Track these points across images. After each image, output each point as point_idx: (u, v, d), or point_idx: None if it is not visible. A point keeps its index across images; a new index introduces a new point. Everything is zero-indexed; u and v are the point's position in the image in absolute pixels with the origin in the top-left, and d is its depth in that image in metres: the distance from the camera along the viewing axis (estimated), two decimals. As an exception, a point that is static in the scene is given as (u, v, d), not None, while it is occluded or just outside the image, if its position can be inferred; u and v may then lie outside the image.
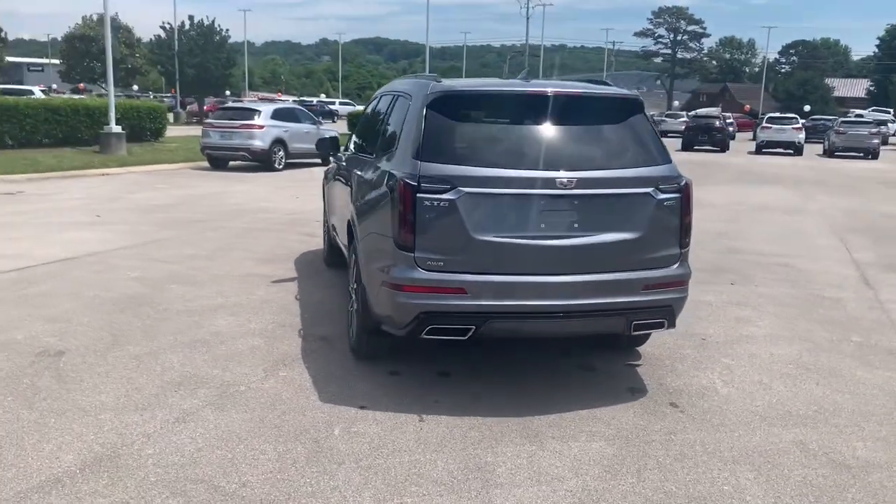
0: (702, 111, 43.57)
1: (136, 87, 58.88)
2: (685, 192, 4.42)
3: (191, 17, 48.89)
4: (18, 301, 6.19)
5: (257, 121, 18.61)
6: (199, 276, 7.19)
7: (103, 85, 46.65)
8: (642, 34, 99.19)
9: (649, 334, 5.16)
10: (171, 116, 37.38)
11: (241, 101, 30.41)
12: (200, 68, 47.64)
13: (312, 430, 3.94)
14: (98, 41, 42.09)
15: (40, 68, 78.64)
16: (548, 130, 4.39)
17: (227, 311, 6.06)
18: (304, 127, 19.96)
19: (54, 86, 57.46)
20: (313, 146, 15.63)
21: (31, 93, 35.70)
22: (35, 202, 12.18)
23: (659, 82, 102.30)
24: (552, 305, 4.18)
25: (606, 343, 5.20)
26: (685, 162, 26.35)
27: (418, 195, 4.07)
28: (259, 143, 18.49)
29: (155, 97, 54.27)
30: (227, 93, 53.57)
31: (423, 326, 4.17)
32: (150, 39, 49.50)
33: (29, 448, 3.66)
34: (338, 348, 5.19)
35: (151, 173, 17.51)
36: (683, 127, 37.62)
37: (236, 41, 59.69)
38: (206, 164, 18.99)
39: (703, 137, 34.63)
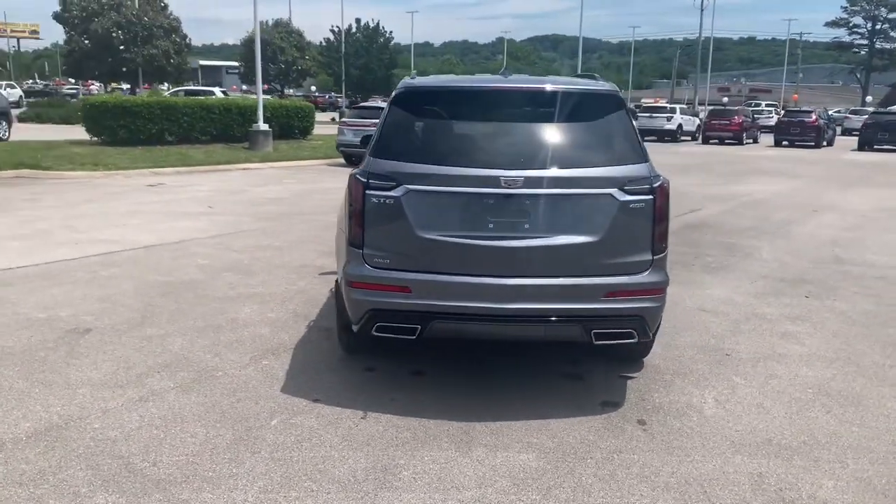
0: (894, 108, 39.73)
1: (314, 88, 62.56)
2: (658, 194, 4.09)
3: (357, 21, 51.21)
4: (87, 282, 6.80)
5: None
6: (255, 266, 7.56)
7: (277, 85, 50.59)
8: (834, 24, 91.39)
9: (649, 344, 4.80)
10: (338, 115, 39.16)
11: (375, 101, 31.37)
12: (364, 69, 49.78)
13: (253, 419, 4.04)
14: (271, 44, 45.29)
15: (237, 70, 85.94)
16: (506, 128, 4.23)
17: (258, 299, 6.33)
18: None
19: (244, 87, 62.16)
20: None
21: (212, 93, 38.96)
22: (167, 193, 13.29)
23: (858, 76, 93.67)
24: (499, 309, 4.02)
25: (608, 352, 4.88)
26: (848, 163, 24.14)
27: (366, 192, 4.06)
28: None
29: (330, 97, 57.06)
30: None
31: (371, 324, 4.16)
32: (320, 42, 52.33)
33: (0, 413, 4.03)
34: (333, 341, 5.27)
35: (287, 168, 18.53)
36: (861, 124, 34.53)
37: (404, 43, 61.71)
38: (342, 160, 19.81)
39: (884, 136, 31.57)
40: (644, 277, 4.10)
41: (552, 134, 4.25)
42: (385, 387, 4.51)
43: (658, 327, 4.46)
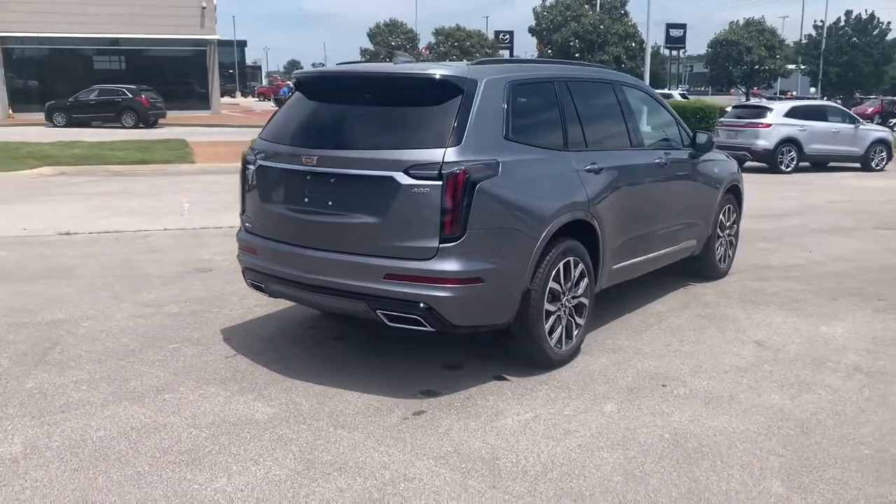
0: None
1: (813, 90, 57.59)
2: (448, 181, 3.89)
3: (847, 13, 45.92)
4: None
5: (766, 119, 17.66)
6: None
7: (741, 87, 48.13)
8: None
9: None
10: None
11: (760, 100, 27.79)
12: (847, 66, 44.50)
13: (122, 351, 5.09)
14: (737, 45, 43.35)
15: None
16: (335, 110, 4.42)
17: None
18: (833, 126, 17.99)
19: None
20: (842, 147, 15.14)
21: (671, 96, 39.54)
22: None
23: None
24: (304, 277, 4.32)
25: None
26: None
27: (244, 164, 4.75)
28: (762, 142, 17.54)
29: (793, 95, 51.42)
30: (812, 89, 47.32)
31: (246, 279, 4.84)
32: (800, 40, 48.32)
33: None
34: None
35: None
36: None
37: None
38: None
39: None
40: (429, 264, 3.95)
41: (366, 116, 4.32)
42: (287, 342, 5.09)
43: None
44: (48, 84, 35.17)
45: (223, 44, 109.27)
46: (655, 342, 5.15)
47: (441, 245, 3.92)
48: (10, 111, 34.75)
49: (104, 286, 6.43)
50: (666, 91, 45.51)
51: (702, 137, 6.17)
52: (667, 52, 59.58)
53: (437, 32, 61.93)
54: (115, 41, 36.39)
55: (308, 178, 4.27)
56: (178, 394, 4.21)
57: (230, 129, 28.71)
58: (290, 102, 4.74)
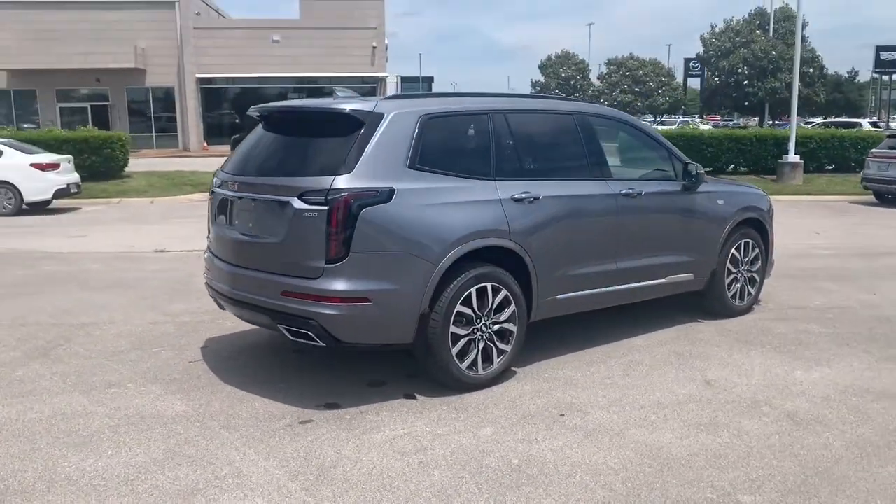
0: None
1: None
2: (335, 206, 4.22)
3: None
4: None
5: (919, 147, 16.12)
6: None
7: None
8: None
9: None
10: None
11: None
12: None
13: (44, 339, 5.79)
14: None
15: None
16: (267, 139, 4.86)
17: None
18: None
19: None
20: None
21: (859, 125, 36.59)
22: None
23: None
24: (232, 292, 4.79)
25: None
26: None
27: (211, 190, 5.35)
28: (917, 175, 16.02)
29: None
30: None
31: (210, 295, 5.40)
32: None
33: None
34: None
35: (802, 204, 17.01)
36: None
37: None
38: (873, 197, 17.42)
39: None
40: (316, 283, 4.28)
41: (285, 146, 4.71)
42: (251, 352, 5.60)
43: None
44: (237, 119, 39.00)
45: (408, 80, 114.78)
46: (598, 375, 5.08)
47: (326, 265, 4.23)
48: (205, 143, 38.86)
49: (149, 297, 7.30)
50: (852, 120, 42.03)
51: (692, 170, 5.97)
52: (877, 76, 54.65)
53: (609, 63, 61.49)
54: (298, 80, 39.63)
55: (235, 202, 4.76)
56: (123, 389, 4.81)
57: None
58: (248, 136, 5.26)
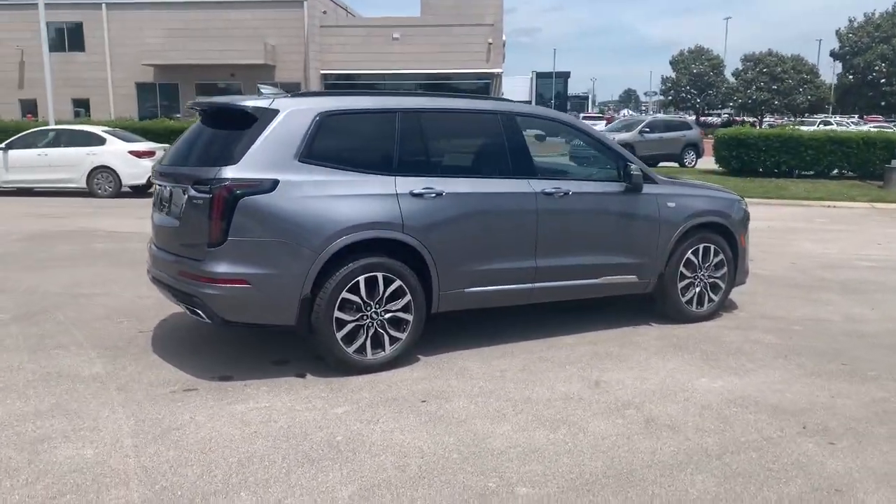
0: None
1: None
2: (216, 194, 4.62)
3: None
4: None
5: None
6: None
7: None
8: None
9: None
10: None
11: None
12: None
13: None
14: None
15: None
16: (190, 134, 5.27)
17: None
18: None
19: None
20: None
21: None
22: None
23: None
24: (152, 272, 5.32)
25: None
26: None
27: None
28: None
29: None
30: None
31: None
32: None
33: None
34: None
35: None
36: None
37: None
38: None
39: None
40: (200, 265, 4.70)
41: (199, 139, 5.10)
42: (200, 327, 6.12)
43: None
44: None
45: (543, 75, 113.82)
46: (497, 368, 5.19)
47: (208, 249, 4.64)
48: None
49: (157, 274, 8.02)
50: None
51: (633, 170, 5.90)
52: None
53: (745, 58, 58.61)
54: (415, 76, 40.64)
55: (162, 190, 5.26)
56: (65, 351, 5.44)
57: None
58: (188, 129, 5.77)
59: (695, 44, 64.78)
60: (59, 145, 16.41)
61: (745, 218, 6.71)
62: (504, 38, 41.63)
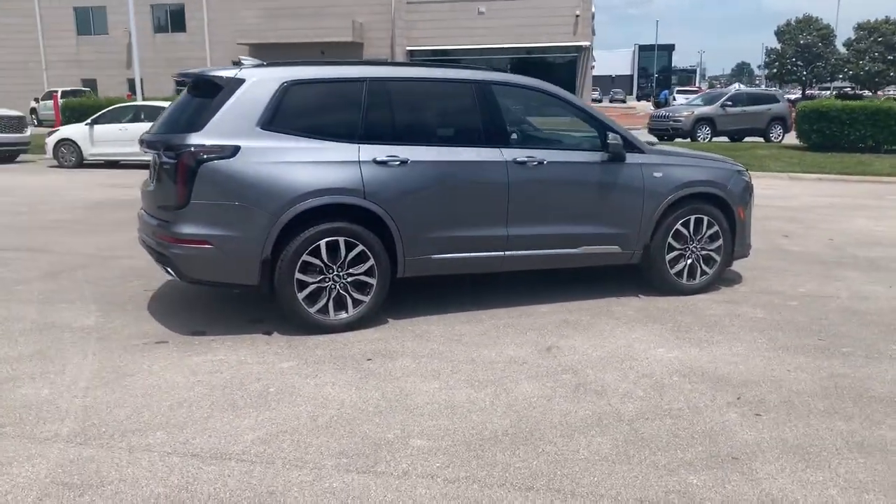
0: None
1: None
2: (180, 161, 4.93)
3: None
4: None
5: None
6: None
7: None
8: None
9: None
10: None
11: None
12: None
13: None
14: None
15: None
16: (174, 103, 5.60)
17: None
18: None
19: None
20: None
21: None
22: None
23: None
24: (140, 235, 5.71)
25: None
26: None
27: None
28: None
29: None
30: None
31: None
32: None
33: None
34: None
35: None
36: None
37: None
38: None
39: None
40: (168, 227, 5.04)
41: (179, 108, 5.40)
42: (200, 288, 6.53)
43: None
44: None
45: (645, 49, 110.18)
46: (456, 332, 5.30)
47: (175, 212, 4.97)
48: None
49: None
50: None
51: (611, 139, 5.84)
52: None
53: (858, 27, 55.06)
54: (500, 50, 40.45)
55: (151, 157, 5.62)
56: (70, 305, 5.93)
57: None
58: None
59: (803, 13, 61.07)
60: (139, 120, 17.39)
61: (746, 189, 6.50)
62: (593, 9, 40.73)
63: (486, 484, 3.27)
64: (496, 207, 5.58)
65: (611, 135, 5.84)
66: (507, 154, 5.60)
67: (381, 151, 5.25)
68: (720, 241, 6.34)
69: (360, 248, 5.20)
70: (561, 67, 40.77)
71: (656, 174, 6.05)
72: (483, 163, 5.53)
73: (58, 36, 43.10)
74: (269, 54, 41.28)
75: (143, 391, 4.25)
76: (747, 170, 6.79)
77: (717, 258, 6.37)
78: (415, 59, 41.08)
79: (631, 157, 5.98)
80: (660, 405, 4.11)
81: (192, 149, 4.88)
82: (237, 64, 5.56)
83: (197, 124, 4.99)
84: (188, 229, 4.94)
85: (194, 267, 5.04)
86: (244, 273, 5.06)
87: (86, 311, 5.78)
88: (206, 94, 5.20)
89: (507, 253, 5.69)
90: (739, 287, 6.64)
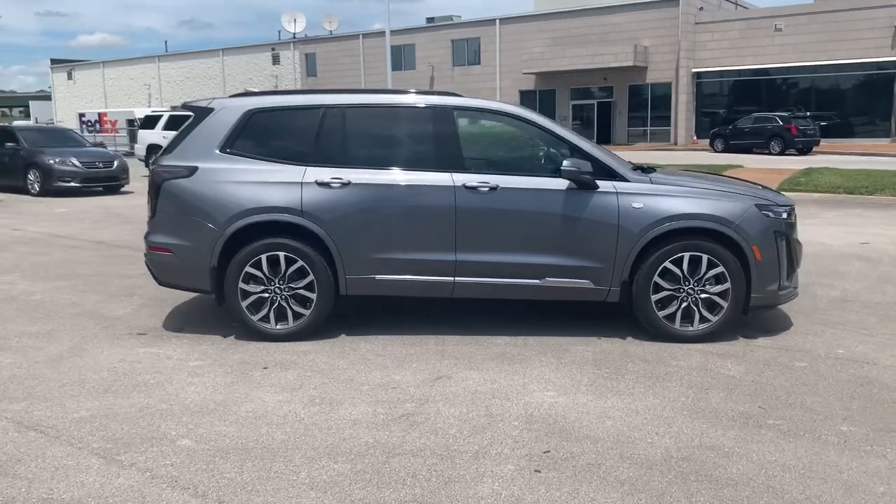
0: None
1: None
2: (151, 178, 5.78)
3: None
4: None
5: None
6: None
7: None
8: None
9: None
10: None
11: None
12: None
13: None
14: None
15: None
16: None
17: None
18: None
19: None
20: None
21: None
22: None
23: None
24: None
25: None
26: None
27: None
28: None
29: None
30: None
31: None
32: None
33: None
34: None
35: None
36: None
37: None
38: None
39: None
40: (147, 236, 5.87)
41: (177, 133, 6.17)
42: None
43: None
44: (725, 112, 38.43)
45: None
46: (380, 352, 5.37)
47: (149, 222, 5.81)
48: (695, 137, 39.28)
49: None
50: None
51: (565, 166, 5.43)
52: None
53: None
54: (796, 69, 36.93)
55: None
56: (113, 295, 7.10)
57: (884, 158, 26.56)
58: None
59: None
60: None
61: (768, 227, 5.55)
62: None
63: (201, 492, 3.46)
64: (442, 232, 5.54)
65: (567, 161, 5.44)
66: (458, 179, 5.53)
67: (326, 174, 5.55)
68: (727, 284, 5.51)
69: (301, 263, 5.54)
70: (873, 86, 35.88)
71: (635, 204, 5.48)
72: (428, 187, 5.53)
73: (376, 72, 48.44)
74: (553, 82, 42.40)
75: (70, 368, 5.05)
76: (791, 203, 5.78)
77: (723, 303, 5.54)
78: (700, 81, 39.25)
79: (605, 185, 5.51)
80: (455, 444, 3.88)
81: (158, 169, 5.65)
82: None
83: (171, 147, 5.76)
84: (155, 238, 5.73)
85: (161, 271, 5.81)
86: (198, 279, 5.69)
87: (124, 301, 6.86)
88: (192, 120, 5.96)
89: (457, 279, 5.61)
90: (762, 339, 5.68)
